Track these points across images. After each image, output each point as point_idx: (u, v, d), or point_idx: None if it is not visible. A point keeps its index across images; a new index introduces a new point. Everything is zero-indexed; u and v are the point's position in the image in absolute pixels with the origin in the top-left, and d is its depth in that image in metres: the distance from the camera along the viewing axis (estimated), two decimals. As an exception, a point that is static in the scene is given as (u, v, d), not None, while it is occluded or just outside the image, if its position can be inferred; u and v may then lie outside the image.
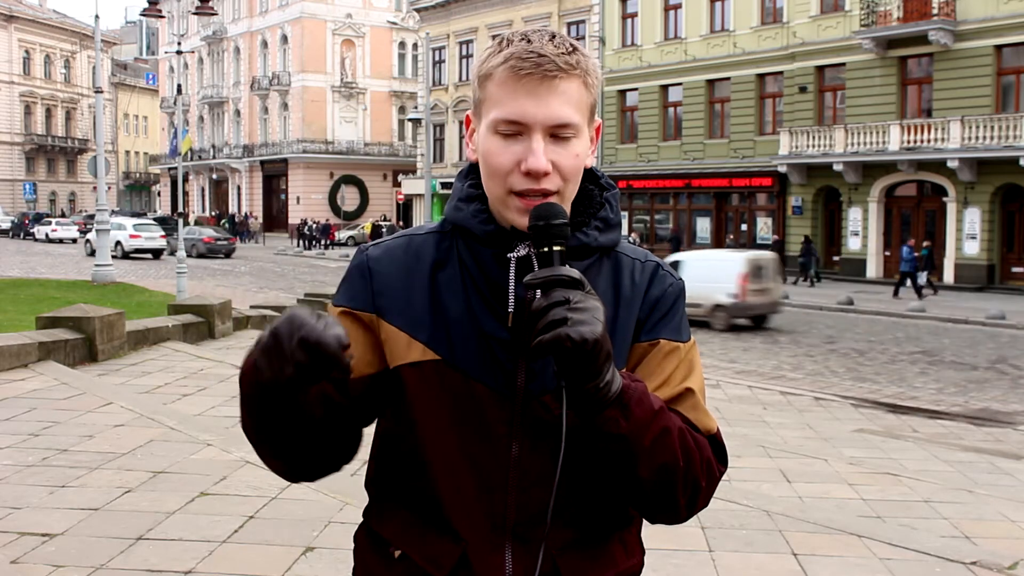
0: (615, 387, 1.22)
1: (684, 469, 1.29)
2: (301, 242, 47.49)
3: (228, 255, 38.15)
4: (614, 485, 1.31)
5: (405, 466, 1.39)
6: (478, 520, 1.34)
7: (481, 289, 1.35)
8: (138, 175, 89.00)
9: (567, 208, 1.33)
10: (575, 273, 1.19)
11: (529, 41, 1.30)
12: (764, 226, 34.26)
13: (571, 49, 1.31)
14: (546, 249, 1.24)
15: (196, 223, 55.65)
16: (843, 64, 31.25)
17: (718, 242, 35.24)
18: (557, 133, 1.29)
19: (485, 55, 1.34)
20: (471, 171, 1.42)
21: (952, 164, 27.52)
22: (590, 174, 1.42)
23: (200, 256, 36.80)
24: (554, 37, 1.32)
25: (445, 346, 1.34)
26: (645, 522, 1.52)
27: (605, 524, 1.41)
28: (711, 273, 17.93)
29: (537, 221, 1.25)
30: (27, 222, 57.47)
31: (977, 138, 27.22)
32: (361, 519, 1.50)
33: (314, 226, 47.76)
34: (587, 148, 1.35)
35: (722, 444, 1.39)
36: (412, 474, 1.38)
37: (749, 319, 18.69)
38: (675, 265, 17.63)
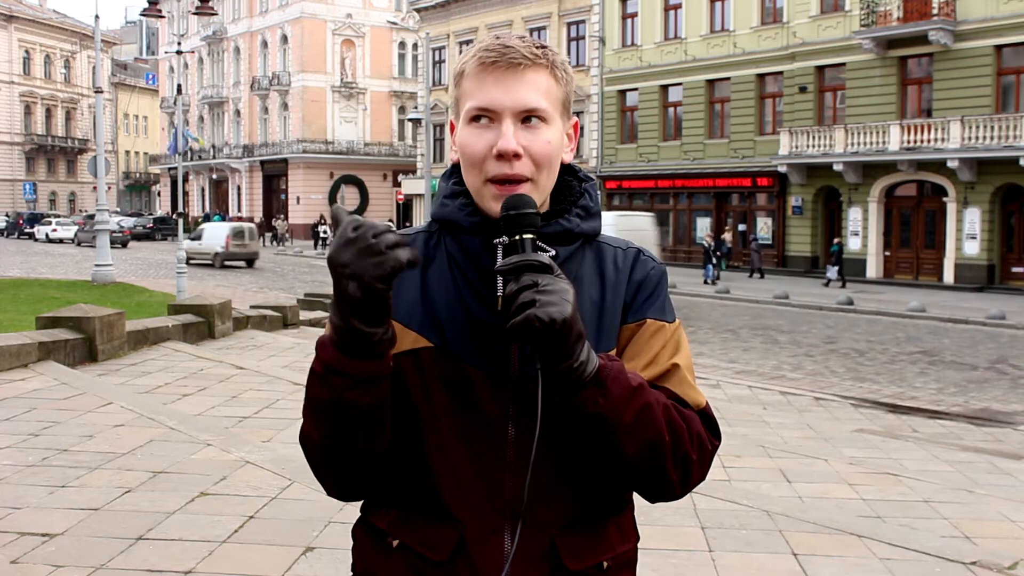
0: (591, 367, 1.26)
1: (671, 444, 1.31)
2: (319, 244, 46.73)
3: (124, 245, 44.37)
4: (604, 466, 1.33)
5: (404, 455, 1.41)
6: (477, 503, 1.37)
7: (470, 278, 1.39)
8: (138, 175, 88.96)
9: (546, 197, 1.41)
10: (544, 258, 1.25)
11: (497, 38, 1.39)
12: (764, 226, 34.25)
13: (538, 45, 1.39)
14: (517, 238, 1.29)
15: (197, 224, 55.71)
16: (843, 64, 31.25)
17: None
18: (527, 119, 1.36)
19: (460, 57, 1.43)
20: (454, 172, 1.47)
21: (952, 164, 27.52)
22: (568, 168, 1.50)
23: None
24: (523, 37, 1.40)
25: (438, 334, 1.38)
26: (644, 520, 1.53)
27: (601, 507, 1.43)
28: (212, 234, 33.88)
29: (508, 211, 1.31)
30: (21, 222, 57.53)
31: (977, 138, 27.21)
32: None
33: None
34: (559, 137, 1.40)
35: (712, 418, 1.41)
36: (411, 462, 1.41)
37: (240, 261, 33.76)
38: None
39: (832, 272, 28.38)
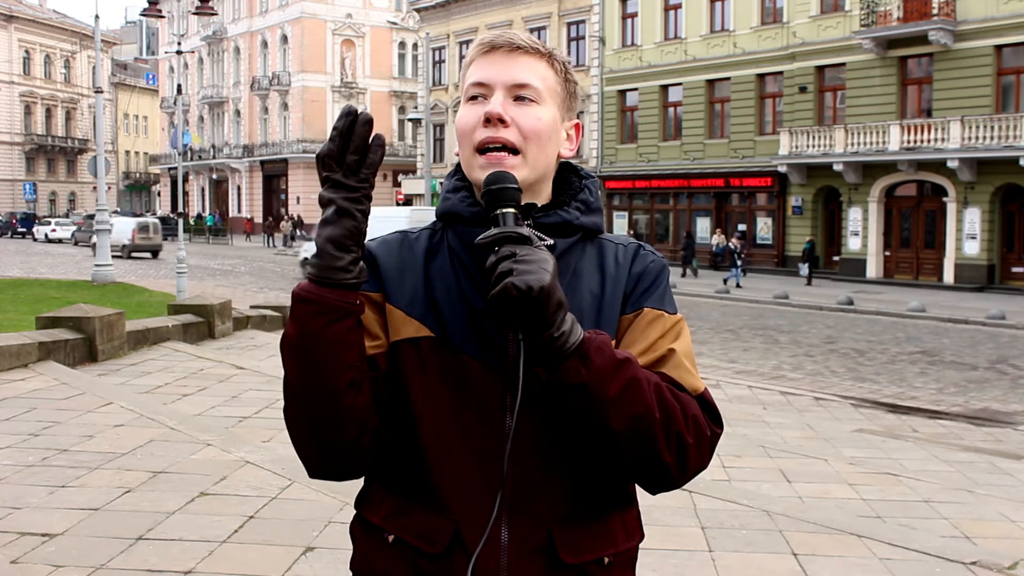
0: (574, 338, 1.26)
1: (662, 422, 1.30)
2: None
3: (78, 243, 46.12)
4: (594, 444, 1.32)
5: (401, 446, 1.41)
6: (473, 493, 1.36)
7: (470, 270, 1.41)
8: (138, 175, 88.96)
9: (538, 176, 1.43)
10: (523, 230, 1.26)
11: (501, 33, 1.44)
12: (764, 226, 34.25)
13: (541, 42, 1.44)
14: (497, 212, 1.31)
15: (200, 221, 55.56)
16: (843, 64, 31.24)
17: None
18: (518, 95, 1.40)
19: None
20: (457, 170, 1.50)
21: (952, 164, 27.52)
22: (570, 166, 1.53)
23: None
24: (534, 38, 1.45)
25: (438, 324, 1.39)
26: (644, 520, 1.52)
27: (603, 499, 1.42)
28: (120, 228, 36.35)
29: (489, 186, 1.33)
30: (14, 222, 57.82)
31: (977, 138, 27.21)
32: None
33: None
34: (552, 119, 1.43)
35: (712, 404, 1.40)
36: (407, 453, 1.40)
37: (145, 252, 37.57)
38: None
39: (803, 269, 29.06)
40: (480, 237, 1.28)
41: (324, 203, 1.27)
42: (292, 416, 1.36)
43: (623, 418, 1.27)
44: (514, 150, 1.38)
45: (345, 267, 1.26)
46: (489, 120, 1.37)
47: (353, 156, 1.25)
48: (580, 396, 1.26)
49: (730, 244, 29.68)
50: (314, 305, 1.27)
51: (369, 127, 1.25)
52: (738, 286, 27.11)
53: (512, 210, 1.31)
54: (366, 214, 1.27)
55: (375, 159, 1.26)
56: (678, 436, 1.31)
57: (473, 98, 1.42)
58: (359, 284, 1.29)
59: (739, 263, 28.25)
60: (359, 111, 1.24)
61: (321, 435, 1.35)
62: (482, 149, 1.39)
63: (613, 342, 1.39)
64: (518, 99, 1.39)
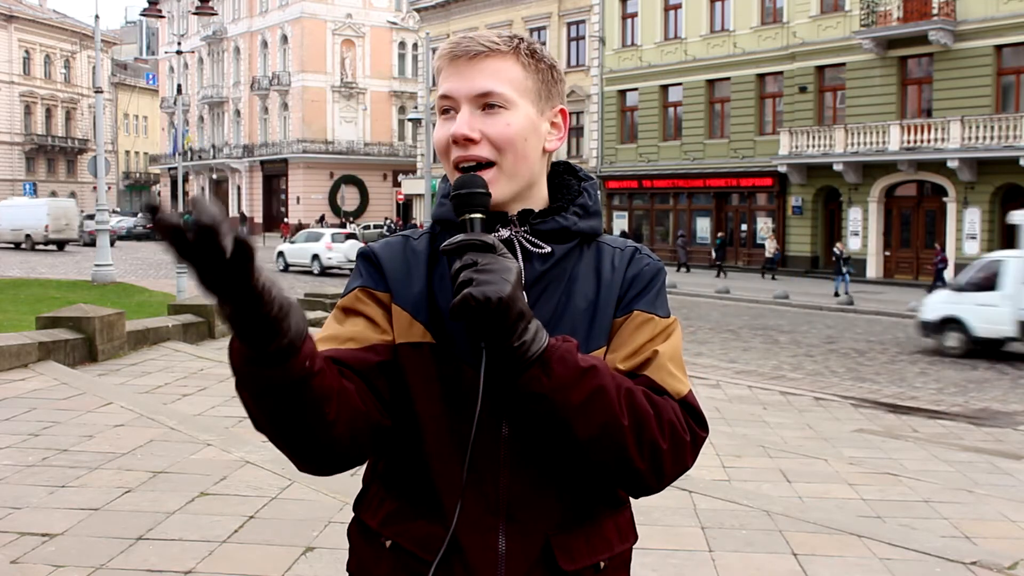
0: (536, 347, 1.24)
1: (632, 428, 1.28)
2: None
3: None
4: (562, 452, 1.31)
5: (401, 451, 1.41)
6: (470, 501, 1.35)
7: None
8: (138, 175, 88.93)
9: (523, 185, 1.40)
10: (488, 238, 1.25)
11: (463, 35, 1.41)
12: (764, 226, 34.24)
13: (511, 36, 1.40)
14: (465, 217, 1.30)
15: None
16: (843, 64, 31.25)
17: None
18: (484, 104, 1.37)
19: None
20: None
21: (952, 164, 27.52)
22: (568, 168, 1.51)
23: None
24: (497, 32, 1.42)
25: (439, 332, 1.38)
26: (644, 520, 1.52)
27: (596, 505, 1.42)
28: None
29: (458, 190, 1.32)
30: None
31: (977, 138, 27.21)
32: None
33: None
34: (525, 121, 1.39)
35: (695, 408, 1.38)
36: (407, 458, 1.40)
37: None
38: None
39: (683, 256, 32.69)
40: (444, 244, 1.26)
41: (216, 309, 1.15)
42: (272, 441, 1.34)
43: (589, 426, 1.26)
44: (489, 163, 1.37)
45: (280, 349, 1.18)
46: (456, 141, 1.37)
47: (215, 270, 1.09)
48: (543, 405, 1.26)
49: (835, 250, 26.93)
50: (269, 397, 1.22)
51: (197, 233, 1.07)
52: (846, 293, 24.65)
53: (480, 216, 1.30)
54: (273, 300, 1.16)
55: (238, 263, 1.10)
56: (651, 443, 1.29)
57: (445, 111, 1.41)
58: (301, 343, 1.20)
59: (845, 270, 25.54)
60: (166, 218, 1.06)
61: (304, 457, 1.35)
62: (458, 166, 1.39)
63: (603, 350, 1.38)
64: (487, 107, 1.37)
